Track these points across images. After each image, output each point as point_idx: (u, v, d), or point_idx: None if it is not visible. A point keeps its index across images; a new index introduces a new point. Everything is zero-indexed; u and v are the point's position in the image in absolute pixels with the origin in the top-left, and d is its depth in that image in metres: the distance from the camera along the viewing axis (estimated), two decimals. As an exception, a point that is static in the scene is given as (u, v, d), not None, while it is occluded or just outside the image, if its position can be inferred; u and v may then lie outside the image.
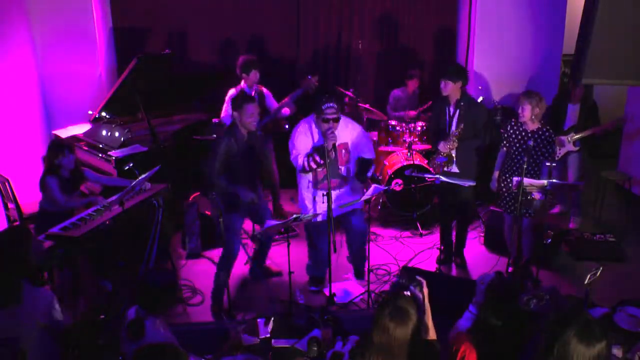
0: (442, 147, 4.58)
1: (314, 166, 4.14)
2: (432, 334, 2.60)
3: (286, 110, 5.52)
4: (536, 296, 3.23)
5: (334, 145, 4.16)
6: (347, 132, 4.30)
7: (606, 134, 5.39)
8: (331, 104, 4.07)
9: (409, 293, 2.59)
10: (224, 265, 4.30)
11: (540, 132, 4.38)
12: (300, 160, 4.20)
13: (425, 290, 2.59)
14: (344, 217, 4.47)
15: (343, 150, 4.30)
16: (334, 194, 4.23)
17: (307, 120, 4.31)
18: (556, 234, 5.08)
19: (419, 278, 2.60)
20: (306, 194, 4.41)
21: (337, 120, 4.12)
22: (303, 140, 4.26)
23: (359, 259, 4.68)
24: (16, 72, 5.71)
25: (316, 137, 4.25)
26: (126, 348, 2.79)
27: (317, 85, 5.45)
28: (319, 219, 4.33)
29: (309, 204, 4.40)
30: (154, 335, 2.72)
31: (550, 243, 4.93)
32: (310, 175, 4.34)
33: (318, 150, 4.14)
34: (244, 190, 4.13)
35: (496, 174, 4.70)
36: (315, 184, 4.35)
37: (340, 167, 4.32)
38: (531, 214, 4.47)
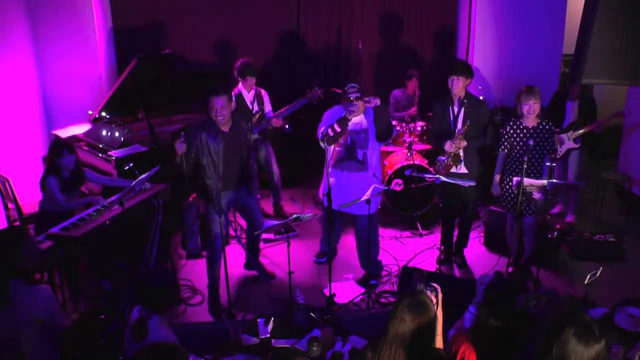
0: (449, 146, 4.48)
1: (332, 133, 4.27)
2: (439, 342, 2.57)
3: (277, 121, 5.46)
4: (534, 297, 3.23)
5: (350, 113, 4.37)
6: (368, 118, 4.45)
7: (605, 130, 5.38)
8: (353, 85, 4.37)
9: None
10: (209, 263, 4.35)
11: (541, 127, 4.37)
12: (322, 129, 4.37)
13: (440, 296, 2.58)
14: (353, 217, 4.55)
15: (362, 135, 4.43)
16: (352, 177, 4.45)
17: (339, 106, 4.51)
18: (556, 234, 5.07)
19: (434, 285, 2.60)
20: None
21: (359, 99, 4.33)
22: (329, 116, 4.49)
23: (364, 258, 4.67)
24: (16, 72, 5.71)
25: None
26: (129, 348, 2.79)
27: (322, 97, 5.48)
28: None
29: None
30: (156, 334, 2.72)
31: (552, 240, 4.92)
32: (330, 155, 4.50)
33: (339, 119, 4.34)
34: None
35: (497, 177, 4.60)
36: (335, 164, 4.50)
37: (358, 151, 4.43)
38: (533, 211, 4.46)
